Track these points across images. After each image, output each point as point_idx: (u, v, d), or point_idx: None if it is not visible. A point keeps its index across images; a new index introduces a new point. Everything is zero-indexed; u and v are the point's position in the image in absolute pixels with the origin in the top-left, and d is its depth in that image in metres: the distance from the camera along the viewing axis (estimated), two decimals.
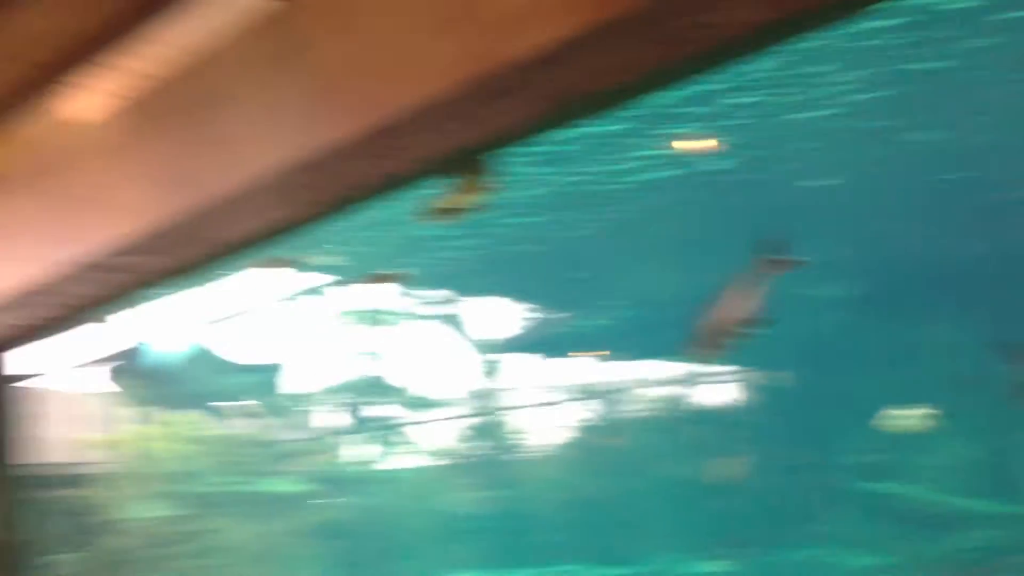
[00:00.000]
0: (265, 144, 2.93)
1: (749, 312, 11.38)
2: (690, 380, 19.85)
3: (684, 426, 18.49)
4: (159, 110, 3.69)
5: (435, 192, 2.82)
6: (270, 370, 20.90)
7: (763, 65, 10.20)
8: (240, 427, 19.33)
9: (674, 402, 19.89)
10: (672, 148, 11.89)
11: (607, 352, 20.51)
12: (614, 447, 19.21)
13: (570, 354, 20.94)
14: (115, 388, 18.07)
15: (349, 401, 21.16)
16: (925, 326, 15.69)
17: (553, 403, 21.18)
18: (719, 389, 20.27)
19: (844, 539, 14.57)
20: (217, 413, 18.89)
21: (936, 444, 15.05)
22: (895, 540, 14.12)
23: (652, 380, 20.65)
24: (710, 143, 11.85)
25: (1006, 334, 14.37)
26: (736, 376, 19.94)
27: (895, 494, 14.91)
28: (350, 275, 16.73)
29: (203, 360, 19.86)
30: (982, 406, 14.96)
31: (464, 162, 2.64)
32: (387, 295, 19.76)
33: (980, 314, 14.86)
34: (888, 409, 14.77)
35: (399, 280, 15.97)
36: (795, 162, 13.42)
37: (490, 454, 20.59)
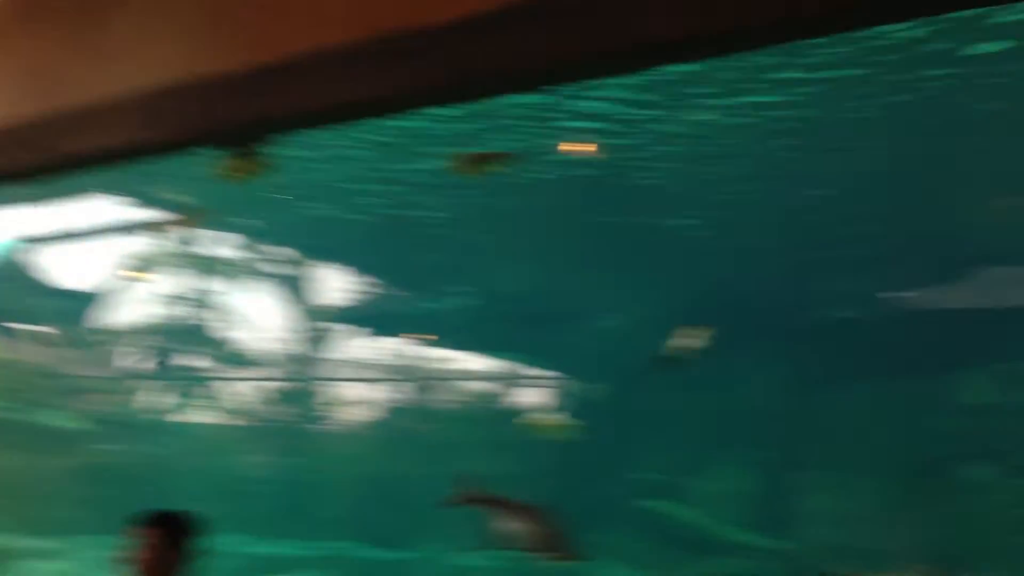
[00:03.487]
0: (146, 61, 2.67)
1: None
2: (511, 379, 19.80)
3: (493, 423, 18.42)
4: (43, 8, 3.26)
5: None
6: (84, 299, 19.52)
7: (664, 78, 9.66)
8: (32, 353, 18.23)
9: (490, 398, 19.72)
10: (557, 148, 11.58)
11: (437, 337, 19.82)
12: (420, 433, 18.86)
13: (402, 335, 20.07)
14: None
15: (160, 345, 20.08)
16: (749, 356, 16.12)
17: (371, 380, 20.46)
18: (537, 392, 19.98)
19: (610, 551, 14.52)
20: (9, 334, 17.92)
21: (722, 473, 16.02)
22: (656, 558, 14.53)
23: (476, 373, 20.25)
24: (591, 147, 11.61)
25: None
26: (555, 381, 19.77)
27: (672, 515, 15.44)
28: (190, 216, 15.42)
29: (10, 276, 18.52)
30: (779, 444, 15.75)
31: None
32: (225, 244, 18.91)
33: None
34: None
35: (197, 221, 15.09)
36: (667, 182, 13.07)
37: (292, 421, 19.83)
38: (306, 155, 12.22)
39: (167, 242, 19.30)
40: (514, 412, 18.44)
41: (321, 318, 20.42)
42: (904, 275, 16.43)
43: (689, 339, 5.34)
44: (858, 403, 15.51)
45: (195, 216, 14.93)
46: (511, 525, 5.00)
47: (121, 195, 13.99)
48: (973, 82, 9.62)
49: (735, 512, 15.81)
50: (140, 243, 19.13)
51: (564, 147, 11.72)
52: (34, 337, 18.82)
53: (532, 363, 19.92)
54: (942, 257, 14.96)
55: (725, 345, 16.53)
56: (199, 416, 19.96)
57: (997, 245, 13.99)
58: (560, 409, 18.83)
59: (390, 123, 10.57)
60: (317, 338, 20.51)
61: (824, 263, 15.63)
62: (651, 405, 17.31)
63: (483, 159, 7.42)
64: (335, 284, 19.99)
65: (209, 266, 20.10)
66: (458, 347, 20.21)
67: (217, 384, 20.50)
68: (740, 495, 16.01)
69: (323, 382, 20.72)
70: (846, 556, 13.08)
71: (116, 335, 20.22)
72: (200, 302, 20.38)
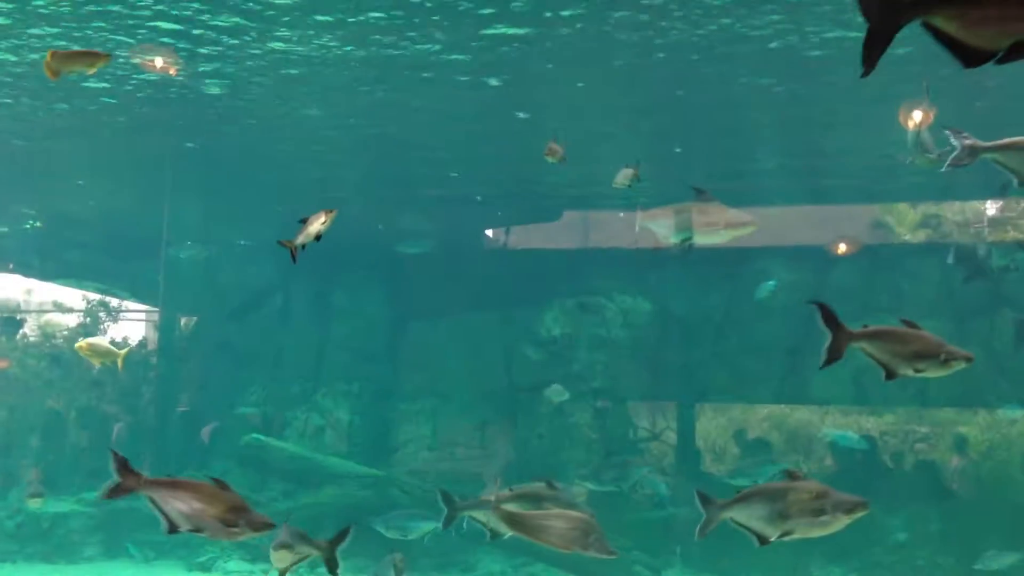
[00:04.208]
0: None
1: None
2: (92, 311, 18.56)
3: (71, 356, 16.69)
4: None
5: None
6: None
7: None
8: None
9: (73, 332, 18.35)
10: (134, 57, 10.41)
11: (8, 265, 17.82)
12: None
13: None
14: None
15: None
16: (347, 291, 16.87)
17: None
18: (126, 325, 19.48)
19: None
20: None
21: (322, 405, 16.34)
22: (261, 491, 14.53)
23: (51, 304, 18.89)
24: (170, 67, 10.65)
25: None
26: (143, 315, 19.33)
27: (274, 448, 15.36)
28: None
29: None
30: (377, 376, 16.52)
31: None
32: None
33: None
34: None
35: None
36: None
37: None
38: None
39: None
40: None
41: None
42: (496, 215, 17.43)
43: (318, 226, 4.97)
44: (452, 335, 16.28)
45: None
46: (185, 507, 4.40)
47: None
48: (545, 44, 9.82)
49: (335, 443, 15.99)
50: None
51: (140, 60, 10.51)
52: None
53: (114, 294, 18.40)
54: (531, 201, 16.01)
55: (322, 280, 16.50)
56: None
57: (580, 191, 15.17)
58: (157, 343, 17.63)
59: None
60: None
61: (419, 201, 16.07)
62: (249, 339, 16.86)
63: (70, 58, 6.06)
64: None
65: None
66: (25, 274, 18.20)
67: None
68: (340, 426, 16.18)
69: None
70: (444, 480, 13.80)
71: None
72: None
